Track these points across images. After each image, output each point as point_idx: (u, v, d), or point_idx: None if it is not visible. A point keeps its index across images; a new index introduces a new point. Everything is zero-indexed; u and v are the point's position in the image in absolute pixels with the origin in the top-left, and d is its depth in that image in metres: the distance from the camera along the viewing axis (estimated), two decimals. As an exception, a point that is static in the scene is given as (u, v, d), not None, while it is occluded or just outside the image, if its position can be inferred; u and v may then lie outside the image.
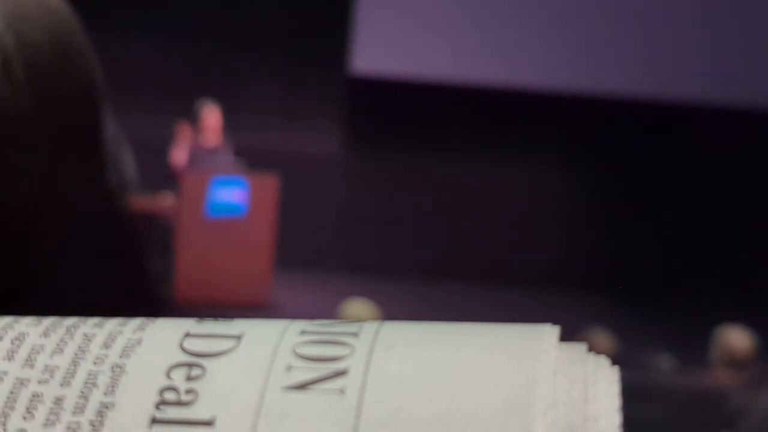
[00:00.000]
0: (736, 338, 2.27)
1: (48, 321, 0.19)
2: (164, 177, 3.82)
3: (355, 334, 0.18)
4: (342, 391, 0.17)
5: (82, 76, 0.30)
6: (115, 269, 0.32)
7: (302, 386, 0.17)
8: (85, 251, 0.31)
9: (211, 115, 3.79)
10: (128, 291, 0.33)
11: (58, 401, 0.17)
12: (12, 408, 0.17)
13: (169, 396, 0.17)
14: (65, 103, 0.29)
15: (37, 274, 0.29)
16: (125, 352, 0.18)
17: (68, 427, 0.17)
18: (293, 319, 0.19)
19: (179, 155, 3.79)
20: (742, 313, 2.61)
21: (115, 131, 0.32)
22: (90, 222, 0.31)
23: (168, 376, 0.17)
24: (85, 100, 0.30)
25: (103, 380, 0.17)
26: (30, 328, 0.19)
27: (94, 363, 0.18)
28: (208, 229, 3.74)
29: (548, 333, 0.18)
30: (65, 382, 0.17)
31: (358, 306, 1.61)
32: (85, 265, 0.31)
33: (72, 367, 0.18)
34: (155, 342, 0.18)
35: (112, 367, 0.18)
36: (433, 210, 5.00)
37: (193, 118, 3.81)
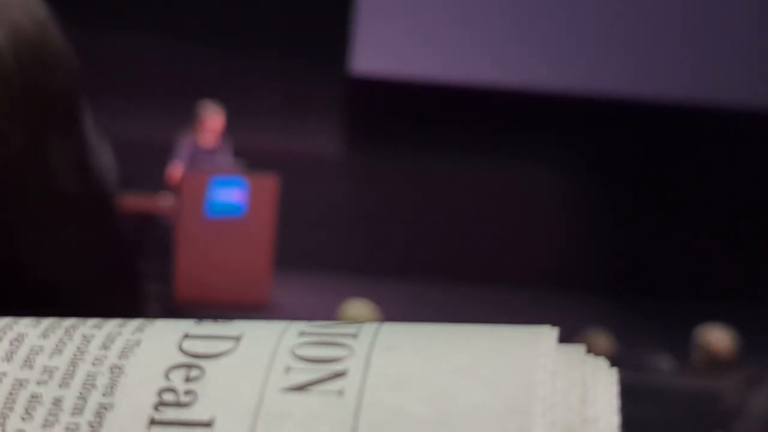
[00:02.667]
0: (717, 338, 2.25)
1: (47, 322, 0.19)
2: (165, 180, 3.83)
3: (353, 336, 0.18)
4: (341, 393, 0.17)
5: (61, 58, 0.30)
6: (98, 257, 0.32)
7: (301, 387, 0.17)
8: (70, 230, 0.31)
9: (216, 119, 3.79)
10: (109, 282, 0.33)
11: (57, 402, 0.17)
12: (11, 409, 0.17)
13: (168, 397, 0.17)
14: (47, 78, 0.30)
15: (19, 234, 0.29)
16: (124, 353, 0.18)
17: (67, 428, 0.17)
18: (293, 319, 0.19)
19: (178, 169, 3.78)
20: (739, 315, 2.61)
21: (94, 127, 0.32)
22: (75, 203, 0.31)
23: (167, 377, 0.17)
24: (65, 81, 0.31)
25: (101, 381, 0.17)
26: (29, 328, 0.19)
27: (93, 364, 0.18)
28: (208, 229, 3.74)
29: (547, 335, 0.18)
30: (64, 383, 0.17)
31: (357, 307, 1.61)
32: (67, 240, 0.31)
33: (71, 368, 0.18)
34: (154, 343, 0.18)
35: (111, 368, 0.18)
36: (432, 210, 5.00)
37: (195, 119, 3.80)
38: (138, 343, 0.18)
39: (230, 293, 3.67)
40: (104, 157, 0.33)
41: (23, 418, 0.17)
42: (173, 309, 3.51)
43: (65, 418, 0.17)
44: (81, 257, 0.32)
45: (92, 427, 0.17)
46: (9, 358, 0.18)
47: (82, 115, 0.31)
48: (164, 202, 3.84)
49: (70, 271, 0.31)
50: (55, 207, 0.30)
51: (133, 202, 3.86)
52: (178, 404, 0.17)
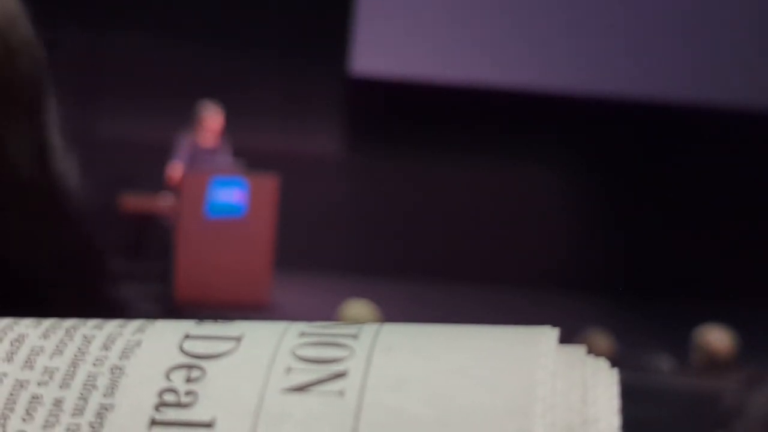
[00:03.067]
0: (717, 338, 2.25)
1: (48, 322, 0.19)
2: (165, 180, 3.83)
3: (354, 336, 0.18)
4: (341, 393, 0.17)
5: (27, 48, 0.30)
6: (58, 253, 0.32)
7: (301, 388, 0.17)
8: (27, 220, 0.30)
9: (215, 119, 3.79)
10: (72, 281, 0.32)
11: (58, 403, 0.17)
12: (11, 410, 0.17)
13: (169, 398, 0.17)
14: (11, 65, 0.29)
15: None
16: (125, 354, 0.18)
17: (68, 429, 0.17)
18: (293, 320, 0.19)
19: (178, 169, 3.78)
20: (739, 315, 2.61)
21: (60, 130, 0.32)
22: (33, 192, 0.31)
23: (167, 377, 0.17)
24: (29, 70, 0.30)
25: (102, 382, 0.17)
26: (29, 329, 0.19)
27: (94, 365, 0.18)
28: (208, 229, 3.74)
29: (547, 335, 0.18)
30: (65, 384, 0.17)
31: (357, 307, 1.60)
32: (24, 229, 0.30)
33: (71, 369, 0.18)
34: (155, 344, 0.18)
35: (112, 369, 0.18)
36: (432, 210, 5.00)
37: (195, 119, 3.80)
38: (138, 343, 0.18)
39: (230, 293, 3.67)
40: (67, 163, 0.33)
41: (24, 419, 0.17)
42: (173, 309, 3.51)
43: (66, 418, 0.17)
44: (40, 248, 0.31)
45: (93, 427, 0.17)
46: (10, 358, 0.18)
47: (45, 108, 0.31)
48: (164, 202, 3.84)
49: (27, 262, 0.31)
50: (12, 194, 0.30)
51: (133, 202, 3.86)
52: (178, 405, 0.17)
